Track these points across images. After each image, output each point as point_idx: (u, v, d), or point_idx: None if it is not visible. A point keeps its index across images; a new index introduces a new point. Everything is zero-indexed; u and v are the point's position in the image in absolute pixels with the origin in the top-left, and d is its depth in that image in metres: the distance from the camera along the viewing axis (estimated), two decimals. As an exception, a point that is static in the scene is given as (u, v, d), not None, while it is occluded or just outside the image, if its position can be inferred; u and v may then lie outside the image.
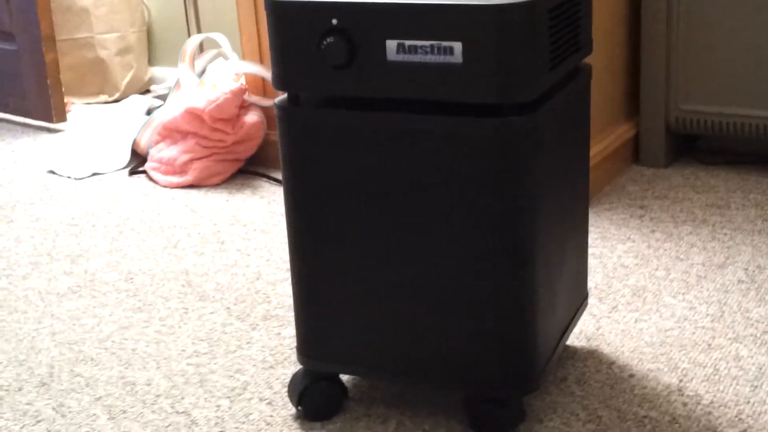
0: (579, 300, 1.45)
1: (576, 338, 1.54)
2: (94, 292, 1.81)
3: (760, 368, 1.43)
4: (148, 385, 1.49)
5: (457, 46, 1.16)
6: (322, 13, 1.20)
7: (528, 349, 1.26)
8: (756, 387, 1.38)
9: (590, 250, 1.86)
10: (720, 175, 2.21)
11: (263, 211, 2.16)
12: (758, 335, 1.52)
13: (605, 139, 2.19)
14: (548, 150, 1.24)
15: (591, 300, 1.66)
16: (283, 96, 1.29)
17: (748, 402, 1.35)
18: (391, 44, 1.19)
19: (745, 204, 2.04)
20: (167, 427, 1.38)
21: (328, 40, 1.20)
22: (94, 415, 1.42)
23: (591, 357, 1.49)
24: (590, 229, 1.96)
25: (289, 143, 1.28)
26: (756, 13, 2.08)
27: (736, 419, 1.31)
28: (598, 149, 2.14)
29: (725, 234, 1.90)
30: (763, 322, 1.56)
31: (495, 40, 1.14)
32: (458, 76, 1.17)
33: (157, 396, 1.45)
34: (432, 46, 1.17)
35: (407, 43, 1.18)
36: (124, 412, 1.42)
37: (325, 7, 1.20)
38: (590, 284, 1.72)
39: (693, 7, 2.14)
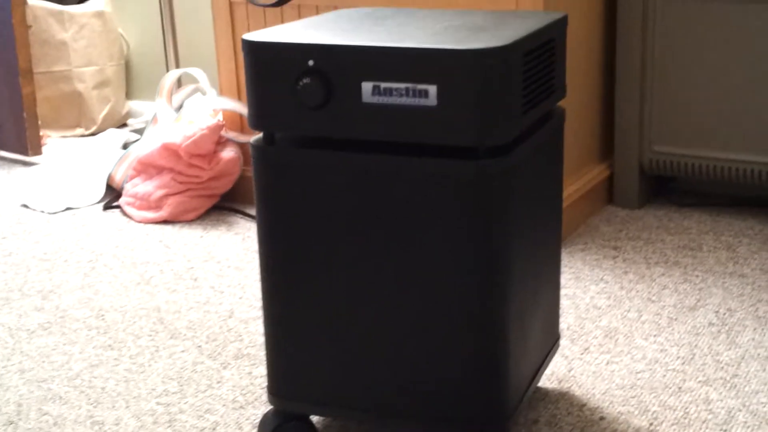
0: (551, 341, 1.46)
1: (548, 380, 1.55)
2: (64, 329, 1.80)
3: (730, 412, 1.43)
4: (117, 424, 1.47)
5: (432, 89, 1.17)
6: (299, 54, 1.21)
7: (499, 390, 1.26)
8: (725, 431, 1.39)
9: (563, 291, 1.87)
10: (693, 216, 2.23)
11: (238, 248, 2.16)
12: (728, 378, 1.53)
13: (580, 180, 2.21)
14: (522, 192, 1.25)
15: (563, 341, 1.67)
16: (258, 135, 1.29)
17: (718, 446, 1.36)
18: (367, 86, 1.19)
19: (717, 246, 2.06)
20: (136, 466, 1.36)
21: (305, 80, 1.21)
22: (62, 454, 1.40)
23: (562, 399, 1.49)
24: (564, 269, 1.97)
25: (264, 182, 1.28)
26: (728, 58, 2.11)
27: (706, 463, 1.32)
28: (572, 189, 2.15)
29: (697, 276, 1.91)
30: (733, 366, 1.57)
31: (469, 84, 1.15)
32: (433, 119, 1.18)
33: (126, 435, 1.44)
34: (407, 89, 1.18)
35: (382, 85, 1.19)
36: (92, 451, 1.41)
37: (301, 48, 1.21)
38: (563, 325, 1.73)
39: (666, 51, 2.17)
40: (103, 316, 1.85)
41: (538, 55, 1.28)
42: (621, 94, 2.24)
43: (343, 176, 1.24)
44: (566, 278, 1.93)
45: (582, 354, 1.63)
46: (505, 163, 1.19)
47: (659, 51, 2.18)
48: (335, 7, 2.18)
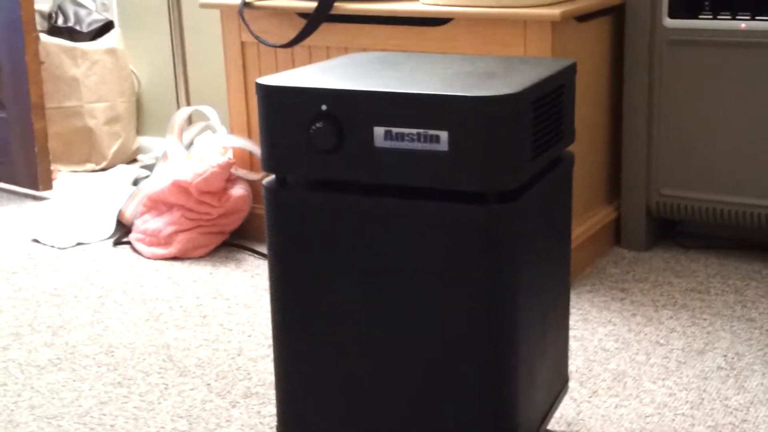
0: (560, 384, 1.46)
1: (557, 423, 1.55)
2: (74, 365, 1.80)
3: (739, 458, 1.44)
4: (126, 462, 1.48)
5: (444, 135, 1.18)
6: (312, 99, 1.23)
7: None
8: (734, 477, 1.39)
9: (572, 333, 1.87)
10: (700, 259, 2.24)
11: (246, 285, 2.17)
12: (737, 423, 1.53)
13: (587, 222, 2.22)
14: (531, 236, 1.26)
15: (572, 384, 1.67)
16: (271, 177, 1.31)
17: (727, 492, 1.35)
18: (379, 131, 1.21)
19: (724, 289, 2.06)
20: (144, 506, 1.36)
21: (317, 125, 1.23)
22: (71, 492, 1.40)
23: (571, 442, 1.49)
24: (572, 311, 1.97)
25: (276, 223, 1.30)
26: (734, 102, 2.13)
27: None
28: (580, 231, 2.16)
29: (705, 319, 1.92)
30: (741, 411, 1.57)
31: (480, 130, 1.17)
32: (444, 164, 1.19)
33: (135, 473, 1.44)
34: (419, 134, 1.20)
35: (394, 130, 1.21)
36: (101, 489, 1.41)
37: (315, 92, 1.23)
38: (571, 367, 1.73)
39: (672, 95, 2.19)
40: (112, 352, 1.85)
41: (548, 102, 1.29)
42: (628, 137, 2.26)
43: (354, 219, 1.25)
44: (574, 320, 1.93)
45: (590, 397, 1.63)
46: (514, 208, 1.21)
47: (665, 96, 2.20)
48: (346, 49, 2.20)
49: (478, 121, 1.17)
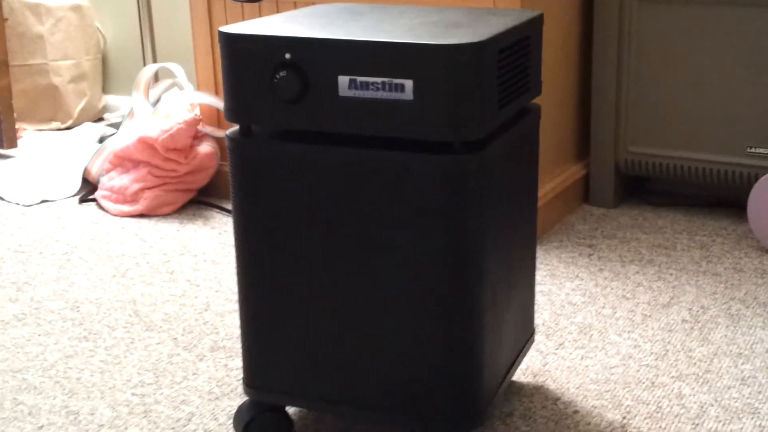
0: (526, 336, 1.47)
1: (523, 374, 1.56)
2: (39, 320, 1.79)
3: (702, 406, 1.45)
4: (92, 414, 1.47)
5: (408, 83, 1.17)
6: (276, 47, 1.22)
7: (474, 383, 1.26)
8: (697, 425, 1.40)
9: (539, 288, 1.88)
10: (667, 216, 2.25)
11: (214, 242, 2.16)
12: (700, 374, 1.54)
13: (556, 179, 2.22)
14: (497, 187, 1.26)
15: (538, 336, 1.68)
16: (234, 128, 1.30)
17: (689, 440, 1.37)
18: (343, 80, 1.20)
19: (690, 245, 2.08)
20: (109, 458, 1.36)
21: (281, 74, 1.21)
22: (35, 445, 1.40)
23: (537, 393, 1.50)
24: (539, 266, 1.98)
25: (240, 175, 1.28)
26: (703, 60, 2.13)
27: (677, 457, 1.33)
28: (548, 188, 2.17)
29: (671, 274, 1.93)
30: (705, 361, 1.58)
31: (445, 78, 1.16)
32: (409, 113, 1.18)
33: (100, 426, 1.44)
34: (383, 83, 1.19)
35: (359, 79, 1.19)
36: (66, 442, 1.40)
37: (278, 41, 1.21)
38: (538, 321, 1.74)
39: (642, 52, 2.19)
40: (78, 308, 1.84)
41: (514, 52, 1.29)
42: (597, 94, 2.25)
43: (319, 169, 1.24)
44: (542, 275, 1.94)
45: (557, 349, 1.64)
46: (480, 158, 1.20)
47: (635, 52, 2.19)
48: (313, 3, 2.18)
49: (443, 69, 1.16)
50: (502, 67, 1.24)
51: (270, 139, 1.27)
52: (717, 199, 2.30)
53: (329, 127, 1.22)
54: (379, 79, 1.19)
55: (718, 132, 2.15)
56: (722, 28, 2.09)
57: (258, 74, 1.23)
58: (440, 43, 1.15)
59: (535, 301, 1.81)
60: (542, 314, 1.77)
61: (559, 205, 2.22)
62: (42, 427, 1.44)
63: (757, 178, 2.07)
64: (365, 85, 1.19)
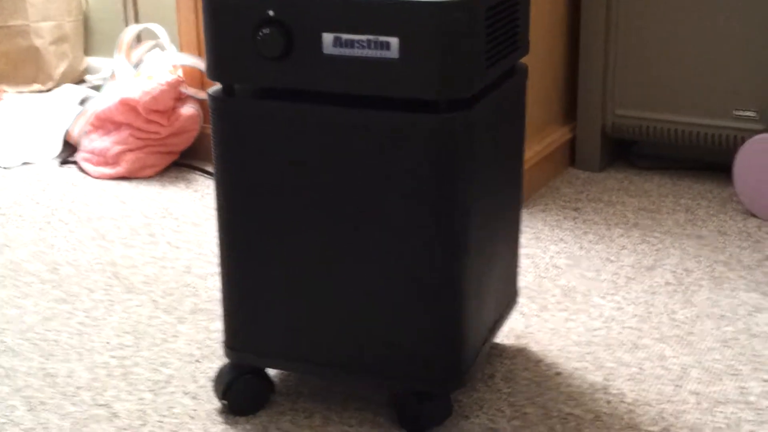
0: (509, 298, 1.46)
1: (505, 336, 1.55)
2: (17, 282, 1.77)
3: (684, 368, 1.45)
4: (70, 377, 1.46)
5: (394, 41, 1.15)
6: (259, 4, 1.19)
7: (456, 345, 1.26)
8: (678, 386, 1.40)
9: (523, 250, 1.87)
10: (653, 180, 2.24)
11: (196, 205, 2.14)
12: (683, 336, 1.54)
13: (542, 142, 2.21)
14: (483, 147, 1.25)
15: (522, 299, 1.67)
16: (216, 86, 1.27)
17: (670, 401, 1.37)
18: (328, 37, 1.18)
19: (675, 209, 2.07)
20: (87, 419, 1.35)
21: (264, 31, 1.19)
22: (12, 406, 1.38)
23: (519, 355, 1.50)
24: (524, 229, 1.97)
25: (222, 134, 1.26)
26: (692, 24, 2.11)
27: (658, 417, 1.33)
28: (535, 151, 2.15)
29: (655, 237, 1.93)
30: (687, 324, 1.58)
31: (432, 36, 1.14)
32: (395, 72, 1.16)
33: (78, 388, 1.43)
34: (369, 41, 1.17)
35: (344, 36, 1.17)
36: (43, 403, 1.39)
37: (260, -4, 1.19)
38: (522, 283, 1.73)
39: (631, 15, 2.17)
40: (57, 270, 1.82)
41: (502, 10, 1.27)
42: (585, 58, 2.24)
43: (303, 129, 1.22)
44: (527, 238, 1.93)
45: (540, 311, 1.63)
46: (467, 117, 1.19)
47: (623, 16, 2.17)
48: (298, -38, 2.14)
49: (429, 27, 1.14)
50: (489, 26, 1.22)
51: (253, 98, 1.25)
52: (703, 162, 2.29)
53: (313, 85, 1.20)
54: (364, 37, 1.17)
55: (704, 95, 2.14)
56: (710, -9, 2.08)
57: (240, 31, 1.21)
58: (427, 0, 1.13)
59: (520, 264, 1.80)
60: (526, 277, 1.76)
61: (545, 168, 2.20)
62: (19, 389, 1.42)
63: (743, 142, 2.06)
64: (350, 43, 1.17)
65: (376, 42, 1.16)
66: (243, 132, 1.25)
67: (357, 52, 1.17)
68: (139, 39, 2.65)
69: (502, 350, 1.51)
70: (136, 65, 2.47)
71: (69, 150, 2.46)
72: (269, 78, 1.22)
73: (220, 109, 1.26)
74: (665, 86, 2.17)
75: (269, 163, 1.25)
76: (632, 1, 2.15)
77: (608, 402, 1.37)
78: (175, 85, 2.28)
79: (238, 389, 1.35)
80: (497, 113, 1.30)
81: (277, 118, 1.23)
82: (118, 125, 2.33)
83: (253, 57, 1.21)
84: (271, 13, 1.19)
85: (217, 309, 1.66)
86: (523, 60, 1.45)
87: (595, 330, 1.57)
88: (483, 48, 1.20)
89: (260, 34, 1.20)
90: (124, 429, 1.33)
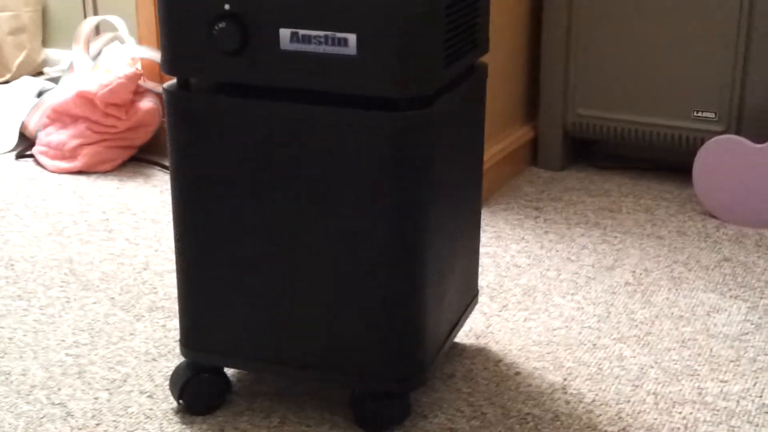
0: (469, 297, 1.45)
1: (465, 336, 1.55)
2: (-29, 279, 1.74)
3: (642, 368, 1.45)
4: (24, 375, 1.43)
5: (352, 37, 1.14)
6: (215, -3, 1.17)
7: (415, 344, 1.25)
8: (637, 386, 1.41)
9: (484, 249, 1.87)
10: (614, 179, 2.25)
11: (155, 200, 2.11)
12: (641, 336, 1.55)
13: (503, 141, 2.21)
14: (442, 146, 1.24)
15: (482, 298, 1.67)
16: (172, 80, 1.25)
17: (629, 401, 1.37)
18: (285, 32, 1.16)
19: (636, 209, 2.08)
20: (42, 418, 1.32)
21: (220, 25, 1.17)
22: (-37, 406, 1.36)
23: (479, 354, 1.49)
24: (485, 228, 1.97)
25: (177, 129, 1.24)
26: (653, 25, 2.12)
27: (616, 417, 1.33)
28: (496, 150, 2.15)
29: (615, 237, 1.93)
30: (647, 324, 1.58)
31: (390, 33, 1.13)
32: (352, 68, 1.15)
33: (33, 387, 1.40)
34: (326, 37, 1.15)
35: (301, 32, 1.16)
36: (-4, 403, 1.36)
37: (217, -10, 1.17)
38: (482, 283, 1.73)
39: (592, 15, 2.17)
40: (12, 265, 1.79)
41: (461, 8, 1.26)
42: (546, 57, 2.24)
43: (259, 125, 1.20)
44: (488, 237, 1.93)
45: (500, 311, 1.63)
46: (426, 116, 1.18)
47: (584, 16, 2.18)
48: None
49: (387, 23, 1.13)
50: (449, 23, 1.21)
51: (209, 92, 1.23)
52: (663, 162, 2.30)
53: (270, 81, 1.19)
54: (321, 33, 1.15)
55: (664, 96, 2.15)
56: (672, -9, 2.08)
57: (196, 25, 1.19)
58: (384, -5, 1.12)
59: (480, 263, 1.80)
60: (487, 276, 1.76)
61: (506, 167, 2.20)
62: (-29, 387, 1.40)
63: (702, 142, 2.08)
64: (307, 39, 1.16)
65: (333, 38, 1.15)
66: (198, 126, 1.23)
67: (314, 47, 1.16)
68: (97, 31, 2.61)
69: (462, 349, 1.50)
70: (95, 57, 2.44)
71: (25, 143, 2.42)
72: (225, 72, 1.20)
73: (175, 103, 1.24)
74: (626, 86, 2.18)
75: (225, 159, 1.23)
76: (594, 0, 2.16)
77: (567, 402, 1.37)
78: (133, 79, 2.25)
79: (194, 389, 1.33)
80: (456, 112, 1.29)
81: (234, 114, 1.21)
82: (75, 118, 2.29)
83: (209, 51, 1.19)
84: (227, 7, 1.17)
85: (175, 307, 1.63)
86: (485, 59, 1.45)
87: (555, 330, 1.57)
88: (442, 46, 1.19)
89: (216, 28, 1.18)
90: (79, 429, 1.30)
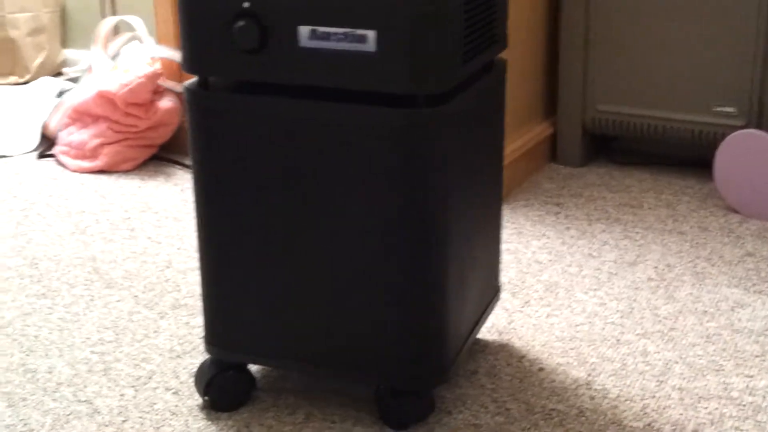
0: (491, 294, 1.45)
1: (488, 332, 1.54)
2: (-5, 278, 1.75)
3: (666, 364, 1.45)
4: (50, 372, 1.44)
5: (371, 34, 1.14)
6: (235, -5, 1.18)
7: (438, 341, 1.25)
8: (661, 382, 1.40)
9: (505, 246, 1.86)
10: (634, 175, 2.24)
11: (176, 199, 2.12)
12: (665, 332, 1.54)
13: (523, 137, 2.20)
14: (461, 142, 1.24)
15: (504, 294, 1.67)
16: (192, 79, 1.26)
17: (654, 396, 1.37)
18: (304, 30, 1.16)
19: (657, 204, 2.07)
20: (68, 415, 1.33)
21: (239, 23, 1.18)
22: (-10, 404, 1.37)
23: (502, 350, 1.49)
24: (506, 224, 1.97)
25: (198, 128, 1.25)
26: (672, 20, 2.11)
27: (642, 413, 1.33)
28: (516, 146, 2.14)
29: (637, 233, 1.92)
30: (670, 319, 1.58)
31: (408, 29, 1.13)
32: (371, 65, 1.15)
33: (59, 384, 1.41)
34: (345, 34, 1.15)
35: (320, 29, 1.16)
36: (24, 399, 1.37)
37: (238, -12, 1.17)
38: (504, 279, 1.72)
39: (610, 11, 2.16)
40: (36, 264, 1.80)
41: (479, 4, 1.26)
42: (565, 52, 2.23)
43: (279, 122, 1.21)
44: (509, 233, 1.92)
45: (522, 307, 1.63)
46: (444, 112, 1.18)
47: (602, 11, 2.17)
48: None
49: (406, 20, 1.13)
50: (467, 19, 1.21)
51: (228, 91, 1.23)
52: (683, 158, 2.29)
53: (289, 78, 1.19)
54: (340, 30, 1.15)
55: (684, 91, 2.14)
56: (691, -15, 2.07)
57: (216, 24, 1.19)
58: (405, -8, 1.12)
59: (502, 260, 1.79)
60: (509, 272, 1.75)
61: (526, 164, 2.20)
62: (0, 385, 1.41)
63: (723, 137, 2.06)
64: (326, 36, 1.16)
65: (352, 35, 1.15)
66: (219, 125, 1.23)
67: (333, 45, 1.16)
68: (116, 31, 2.62)
69: (484, 346, 1.50)
70: (114, 57, 2.45)
71: (46, 143, 2.44)
72: (245, 71, 1.20)
73: (195, 102, 1.25)
74: (645, 82, 2.17)
75: (246, 157, 1.23)
76: (614, -6, 2.15)
77: (592, 398, 1.36)
78: (152, 78, 2.26)
79: (219, 385, 1.34)
80: (475, 108, 1.29)
81: (253, 112, 1.21)
82: (95, 118, 2.30)
83: (229, 50, 1.20)
84: (246, 5, 1.18)
85: (198, 304, 1.64)
86: (504, 55, 1.45)
87: (577, 326, 1.56)
88: (460, 42, 1.19)
89: (235, 26, 1.18)
90: (106, 425, 1.31)
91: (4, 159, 2.39)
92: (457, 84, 1.21)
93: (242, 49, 1.18)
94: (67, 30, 3.21)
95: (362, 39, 1.14)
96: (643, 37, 2.15)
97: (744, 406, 1.34)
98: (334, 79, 1.17)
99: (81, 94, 2.33)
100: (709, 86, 2.11)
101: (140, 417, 1.33)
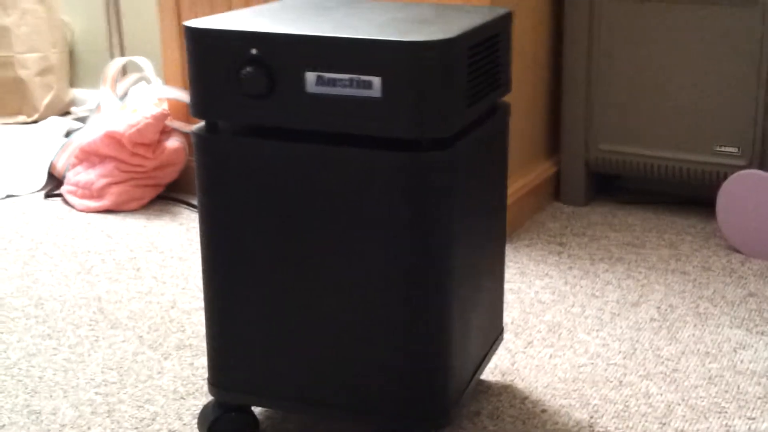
0: (494, 335, 1.46)
1: (491, 373, 1.55)
2: (1, 317, 1.76)
3: (669, 406, 1.45)
4: (54, 414, 1.45)
5: (376, 80, 1.16)
6: (242, 43, 1.20)
7: (440, 382, 1.25)
8: (664, 424, 1.40)
9: (508, 286, 1.87)
10: (637, 214, 2.25)
11: (182, 238, 2.13)
12: (668, 373, 1.54)
13: (526, 176, 2.22)
14: (465, 185, 1.25)
15: (507, 335, 1.67)
16: (201, 123, 1.28)
17: (656, 439, 1.37)
18: (311, 76, 1.18)
19: (659, 243, 2.08)
20: (71, 458, 1.34)
21: (247, 69, 1.20)
22: (-5, 445, 1.37)
23: (505, 392, 1.49)
24: (509, 264, 1.97)
25: (206, 171, 1.27)
26: (674, 60, 2.13)
27: (644, 457, 1.33)
28: (519, 185, 2.16)
29: (640, 272, 1.93)
30: (673, 360, 1.58)
31: (413, 75, 1.15)
32: (377, 110, 1.17)
33: (63, 426, 1.41)
34: (351, 80, 1.17)
35: (326, 75, 1.18)
36: (27, 442, 1.38)
37: (244, 36, 1.20)
38: (507, 319, 1.73)
39: (612, 51, 2.19)
40: (42, 305, 1.81)
41: (483, 49, 1.28)
42: (567, 92, 2.25)
43: (286, 166, 1.22)
44: (511, 273, 1.93)
45: (525, 348, 1.63)
46: (448, 156, 1.19)
47: (605, 51, 2.19)
48: (284, -2, 2.16)
49: (411, 66, 1.15)
50: (471, 65, 1.23)
51: (236, 135, 1.25)
52: (686, 197, 2.31)
53: (296, 123, 1.21)
54: (346, 76, 1.17)
55: (686, 131, 2.15)
56: (691, 27, 2.10)
57: (224, 69, 1.21)
58: (408, 39, 1.14)
59: (505, 300, 1.80)
60: (511, 312, 1.76)
61: (529, 203, 2.21)
62: (3, 426, 1.41)
63: (725, 177, 2.08)
64: (333, 82, 1.18)
65: (358, 81, 1.17)
66: (226, 169, 1.25)
67: (339, 90, 1.18)
68: (124, 71, 2.66)
69: (487, 387, 1.51)
70: (122, 98, 2.48)
71: (54, 182, 2.46)
72: (252, 116, 1.22)
73: (203, 146, 1.26)
74: (647, 121, 2.19)
75: (253, 200, 1.25)
76: (614, 36, 2.17)
77: (593, 440, 1.37)
78: (160, 118, 2.28)
79: (222, 427, 1.34)
80: (479, 151, 1.30)
81: (261, 156, 1.23)
82: (103, 158, 2.33)
83: (237, 95, 1.22)
84: (254, 51, 1.20)
85: (202, 345, 1.65)
86: (507, 95, 1.46)
87: (580, 366, 1.57)
88: (464, 86, 1.21)
89: (243, 72, 1.20)
90: (107, 468, 1.32)
91: (11, 198, 2.41)
92: (461, 128, 1.22)
93: (250, 94, 1.20)
94: (75, 70, 3.25)
95: (368, 85, 1.16)
96: (646, 78, 2.17)
97: (747, 448, 1.35)
98: (340, 123, 1.19)
99: (89, 134, 2.35)
100: (711, 126, 2.12)
101: (144, 458, 1.33)
